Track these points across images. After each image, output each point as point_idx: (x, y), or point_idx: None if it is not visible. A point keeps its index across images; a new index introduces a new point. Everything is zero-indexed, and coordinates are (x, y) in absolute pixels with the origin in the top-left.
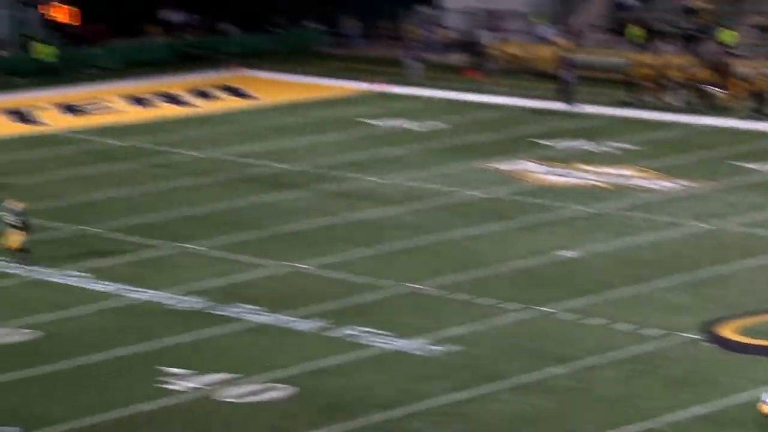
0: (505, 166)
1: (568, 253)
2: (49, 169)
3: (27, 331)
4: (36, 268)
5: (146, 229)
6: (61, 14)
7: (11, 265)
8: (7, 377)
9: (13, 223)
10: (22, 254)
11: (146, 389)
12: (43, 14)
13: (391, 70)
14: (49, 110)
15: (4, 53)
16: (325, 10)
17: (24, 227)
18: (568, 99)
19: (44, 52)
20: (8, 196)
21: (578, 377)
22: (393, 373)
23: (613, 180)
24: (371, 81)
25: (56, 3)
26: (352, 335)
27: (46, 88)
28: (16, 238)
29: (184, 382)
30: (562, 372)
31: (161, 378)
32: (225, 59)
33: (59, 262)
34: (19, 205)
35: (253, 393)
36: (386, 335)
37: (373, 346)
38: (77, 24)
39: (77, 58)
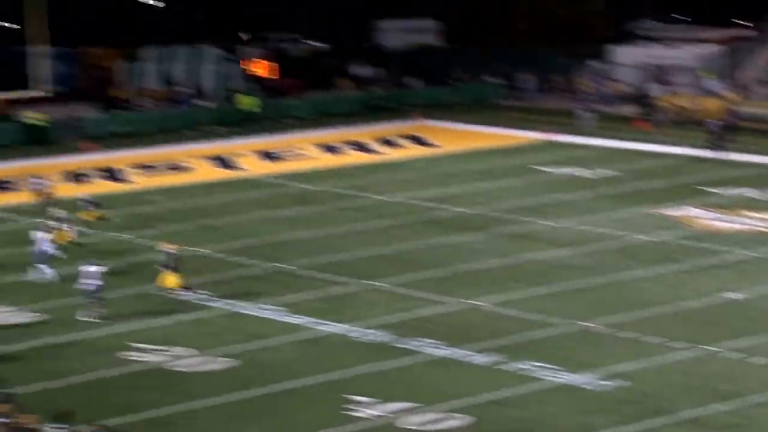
0: (672, 212)
1: (734, 295)
2: (248, 211)
3: (225, 359)
4: (234, 301)
5: (335, 267)
6: (262, 69)
7: (213, 298)
8: (207, 402)
9: (167, 264)
10: (182, 291)
11: (334, 415)
12: (244, 69)
13: (564, 120)
14: (249, 156)
15: (211, 104)
16: (501, 65)
17: (176, 268)
18: (719, 146)
19: (248, 103)
20: (211, 235)
21: (741, 414)
22: (564, 406)
23: None
24: (545, 131)
25: (257, 59)
26: (525, 369)
27: (246, 136)
28: (171, 279)
29: (368, 410)
30: (725, 409)
31: (347, 405)
32: (409, 110)
33: (256, 296)
34: (172, 248)
35: (434, 421)
36: (557, 370)
37: (544, 379)
38: (275, 78)
39: (275, 109)
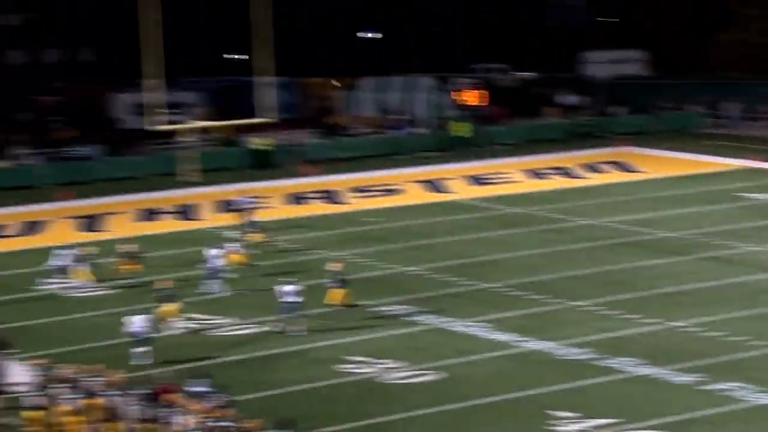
0: None
1: None
2: (456, 232)
3: (433, 372)
4: (442, 318)
5: (539, 287)
6: (472, 98)
7: (422, 314)
8: (416, 413)
9: (335, 282)
10: (348, 309)
11: (537, 430)
12: (455, 98)
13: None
14: (458, 181)
15: (423, 131)
16: (705, 94)
17: (343, 285)
18: None
19: (461, 129)
20: (422, 255)
21: None
22: (765, 427)
23: None
24: (749, 158)
25: (467, 88)
26: (727, 389)
27: (455, 161)
28: (338, 296)
29: (571, 425)
30: None
31: (550, 420)
32: (613, 137)
33: (463, 313)
34: (337, 267)
35: None
36: (762, 391)
37: (747, 400)
38: (484, 106)
39: (483, 136)
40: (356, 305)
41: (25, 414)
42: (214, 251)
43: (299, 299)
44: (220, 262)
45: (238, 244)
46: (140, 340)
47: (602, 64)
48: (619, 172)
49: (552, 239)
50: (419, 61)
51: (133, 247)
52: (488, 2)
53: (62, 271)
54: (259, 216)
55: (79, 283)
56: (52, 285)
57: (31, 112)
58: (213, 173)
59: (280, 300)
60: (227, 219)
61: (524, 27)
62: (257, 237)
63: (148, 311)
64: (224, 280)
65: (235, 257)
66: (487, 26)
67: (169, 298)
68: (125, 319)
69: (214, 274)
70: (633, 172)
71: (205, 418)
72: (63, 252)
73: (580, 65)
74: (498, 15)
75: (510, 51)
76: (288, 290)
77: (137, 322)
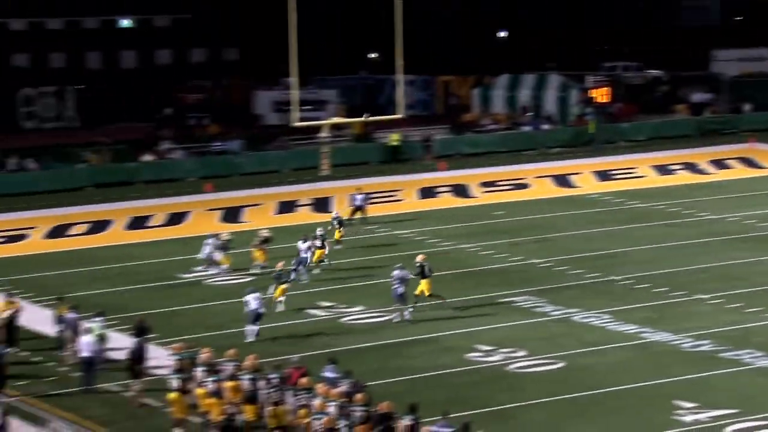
0: None
1: None
2: (583, 226)
3: (557, 362)
4: (567, 309)
5: (664, 280)
6: (601, 95)
7: (550, 304)
8: (541, 400)
9: (420, 274)
10: (436, 298)
11: (662, 419)
12: (585, 95)
13: None
14: (585, 176)
15: (552, 127)
16: None
17: (425, 276)
18: None
19: (592, 126)
20: (549, 247)
21: None
22: None
23: None
24: None
25: (597, 85)
26: None
27: (583, 157)
28: (422, 286)
29: (693, 416)
30: None
31: (675, 410)
32: (742, 134)
33: (588, 304)
34: (420, 259)
35: (755, 429)
36: None
37: None
38: (613, 103)
39: (612, 132)
40: (440, 297)
41: (168, 396)
42: (302, 243)
43: (401, 287)
44: (307, 254)
45: (321, 237)
46: (254, 317)
47: (732, 62)
48: (746, 167)
49: (675, 234)
50: (550, 59)
51: (268, 236)
52: (621, 3)
53: (207, 259)
54: (366, 211)
55: (221, 270)
56: (196, 273)
57: (177, 109)
58: (346, 168)
59: (394, 287)
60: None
61: (658, 26)
62: (338, 234)
63: (259, 291)
64: (309, 269)
65: (317, 253)
66: (620, 27)
67: (278, 280)
68: (244, 297)
69: (302, 263)
70: (759, 167)
71: (340, 402)
72: (208, 242)
73: (710, 63)
74: (630, 15)
75: (641, 50)
76: (396, 275)
77: (252, 301)
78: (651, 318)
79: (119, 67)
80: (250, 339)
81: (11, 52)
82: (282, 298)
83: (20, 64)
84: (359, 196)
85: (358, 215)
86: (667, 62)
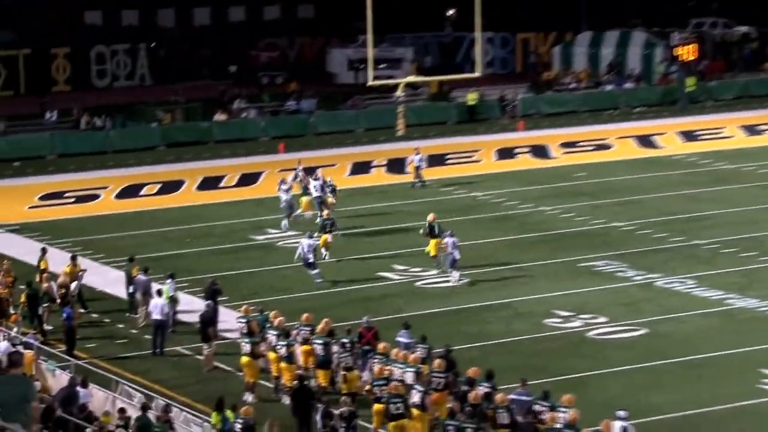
0: None
1: None
2: (666, 188)
3: (638, 329)
4: (649, 274)
5: (751, 244)
6: (688, 52)
7: (631, 268)
8: (619, 368)
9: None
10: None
11: (748, 388)
12: (671, 52)
13: None
14: (670, 136)
15: (637, 86)
16: None
17: (434, 235)
18: None
19: (689, 84)
20: (631, 210)
21: None
22: None
23: None
24: None
25: (684, 42)
26: None
27: (667, 116)
28: (433, 247)
29: None
30: None
31: (762, 379)
32: None
33: (671, 269)
34: (431, 218)
35: None
36: None
37: None
38: (701, 60)
39: (699, 90)
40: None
41: (240, 360)
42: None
43: (455, 252)
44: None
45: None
46: (308, 263)
47: None
48: None
49: (764, 196)
50: (634, 15)
51: (334, 186)
52: None
53: (284, 218)
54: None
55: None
56: (269, 235)
57: (251, 68)
58: (422, 127)
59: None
60: (432, 173)
61: None
62: (330, 199)
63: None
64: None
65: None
66: None
67: (324, 229)
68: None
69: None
70: None
71: (417, 367)
72: (282, 200)
73: None
74: None
75: (730, 5)
76: (448, 242)
77: (305, 246)
78: (736, 284)
79: (192, 24)
80: (318, 280)
81: (84, 9)
82: (324, 250)
83: (93, 21)
84: (417, 157)
85: (419, 176)
86: (756, 18)
